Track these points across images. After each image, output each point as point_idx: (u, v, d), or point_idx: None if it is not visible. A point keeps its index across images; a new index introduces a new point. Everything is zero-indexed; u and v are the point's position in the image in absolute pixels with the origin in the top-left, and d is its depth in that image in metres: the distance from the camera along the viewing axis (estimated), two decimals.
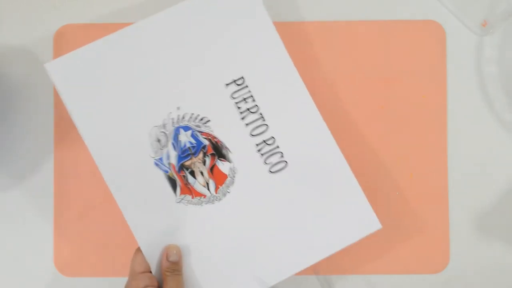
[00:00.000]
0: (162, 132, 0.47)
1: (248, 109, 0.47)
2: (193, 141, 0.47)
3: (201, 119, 0.47)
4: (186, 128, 0.47)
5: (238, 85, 0.47)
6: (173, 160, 0.47)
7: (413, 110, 0.53)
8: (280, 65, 0.48)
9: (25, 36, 0.53)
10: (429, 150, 0.53)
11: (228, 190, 0.47)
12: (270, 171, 0.47)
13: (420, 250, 0.53)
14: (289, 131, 0.48)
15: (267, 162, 0.47)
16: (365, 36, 0.54)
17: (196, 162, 0.47)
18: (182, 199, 0.47)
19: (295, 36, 0.53)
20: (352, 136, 0.53)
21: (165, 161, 0.47)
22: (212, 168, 0.47)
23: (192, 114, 0.47)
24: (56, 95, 0.53)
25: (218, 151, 0.47)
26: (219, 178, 0.47)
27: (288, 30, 0.53)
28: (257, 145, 0.47)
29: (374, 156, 0.53)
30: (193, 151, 0.47)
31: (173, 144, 0.47)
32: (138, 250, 0.46)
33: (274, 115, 0.48)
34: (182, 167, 0.47)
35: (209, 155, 0.47)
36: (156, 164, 0.47)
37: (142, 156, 0.46)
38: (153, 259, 0.46)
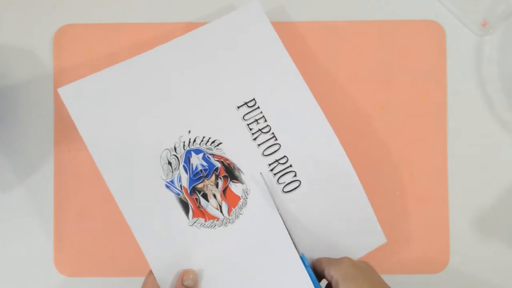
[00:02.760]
0: (173, 155, 0.46)
1: (260, 130, 0.47)
2: (205, 163, 0.47)
3: (213, 142, 0.47)
4: (198, 151, 0.47)
5: (249, 107, 0.47)
6: (185, 183, 0.46)
7: (413, 110, 0.53)
8: (292, 84, 0.48)
9: (25, 36, 0.53)
10: (429, 150, 0.53)
11: (241, 212, 0.46)
12: (283, 191, 0.47)
13: (420, 250, 0.53)
14: (302, 150, 0.47)
15: (280, 181, 0.47)
16: (365, 36, 0.54)
17: (208, 185, 0.47)
18: (195, 222, 0.46)
19: (294, 36, 0.53)
20: (352, 136, 0.53)
21: (176, 184, 0.46)
22: (224, 190, 0.47)
23: (204, 137, 0.47)
24: (56, 95, 0.53)
25: (231, 173, 0.47)
26: (232, 200, 0.47)
27: (287, 30, 0.53)
28: (269, 164, 0.47)
29: (374, 156, 0.53)
30: (205, 174, 0.47)
31: (184, 167, 0.46)
32: (151, 272, 0.45)
33: (286, 133, 0.47)
34: (194, 190, 0.46)
35: (222, 178, 0.47)
36: (167, 187, 0.46)
37: (153, 178, 0.46)
38: (164, 282, 0.45)
